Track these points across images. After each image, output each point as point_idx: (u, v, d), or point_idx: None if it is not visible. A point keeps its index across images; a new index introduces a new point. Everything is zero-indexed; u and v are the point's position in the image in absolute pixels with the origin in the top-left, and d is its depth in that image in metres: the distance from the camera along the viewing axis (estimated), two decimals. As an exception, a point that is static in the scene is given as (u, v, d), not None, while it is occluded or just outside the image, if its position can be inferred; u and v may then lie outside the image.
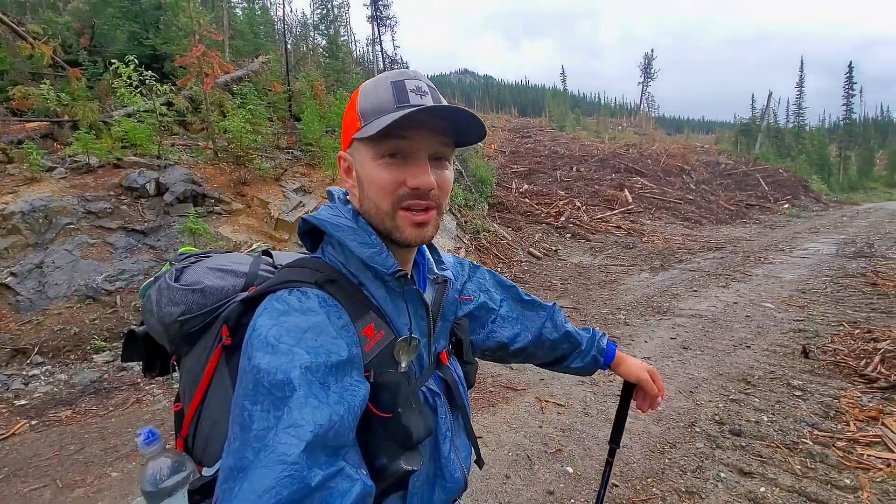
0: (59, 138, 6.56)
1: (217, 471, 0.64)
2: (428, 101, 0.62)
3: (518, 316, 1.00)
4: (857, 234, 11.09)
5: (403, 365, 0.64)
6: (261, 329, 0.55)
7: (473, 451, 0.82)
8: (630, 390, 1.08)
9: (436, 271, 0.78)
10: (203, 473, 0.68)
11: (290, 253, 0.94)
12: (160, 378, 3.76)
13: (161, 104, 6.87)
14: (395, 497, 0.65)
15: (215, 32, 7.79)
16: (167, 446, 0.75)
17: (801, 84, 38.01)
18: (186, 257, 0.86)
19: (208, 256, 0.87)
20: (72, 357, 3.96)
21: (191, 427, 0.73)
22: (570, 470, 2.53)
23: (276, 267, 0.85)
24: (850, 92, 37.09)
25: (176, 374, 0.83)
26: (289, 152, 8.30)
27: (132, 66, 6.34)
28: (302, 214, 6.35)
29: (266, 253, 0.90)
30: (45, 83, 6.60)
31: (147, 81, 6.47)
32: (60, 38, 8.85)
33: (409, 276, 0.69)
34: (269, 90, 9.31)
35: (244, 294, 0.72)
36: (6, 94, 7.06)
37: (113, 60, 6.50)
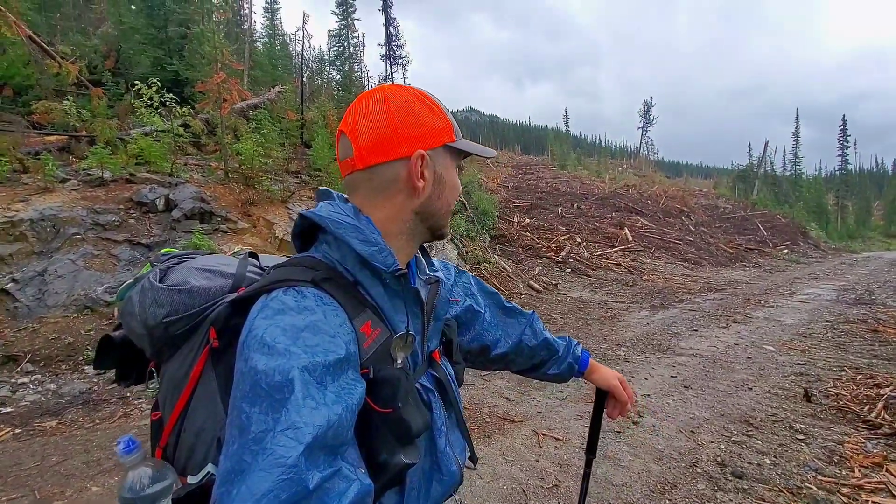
0: (75, 152, 6.76)
1: (202, 479, 0.64)
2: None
3: (500, 322, 1.02)
4: (857, 281, 11.10)
5: (399, 361, 0.64)
6: (257, 329, 0.54)
7: (467, 447, 0.82)
8: (602, 399, 1.11)
9: (427, 272, 0.79)
10: (189, 481, 0.66)
11: (275, 256, 0.91)
12: (137, 387, 3.70)
13: (178, 125, 7.12)
14: (392, 493, 0.65)
15: (236, 62, 8.18)
16: (148, 455, 0.71)
17: (797, 134, 39.22)
18: (169, 258, 0.83)
19: (192, 258, 0.84)
20: (63, 367, 3.90)
21: (171, 436, 0.70)
22: (567, 507, 2.44)
23: (262, 269, 0.83)
24: (845, 143, 38.22)
25: (153, 384, 0.79)
26: (297, 176, 8.50)
27: (154, 89, 6.61)
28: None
29: (252, 255, 0.87)
30: (67, 100, 6.86)
31: (167, 103, 6.74)
32: (87, 60, 9.29)
33: (407, 276, 0.70)
34: (283, 118, 9.66)
35: (232, 295, 0.70)
36: (29, 108, 7.33)
37: (136, 82, 6.80)
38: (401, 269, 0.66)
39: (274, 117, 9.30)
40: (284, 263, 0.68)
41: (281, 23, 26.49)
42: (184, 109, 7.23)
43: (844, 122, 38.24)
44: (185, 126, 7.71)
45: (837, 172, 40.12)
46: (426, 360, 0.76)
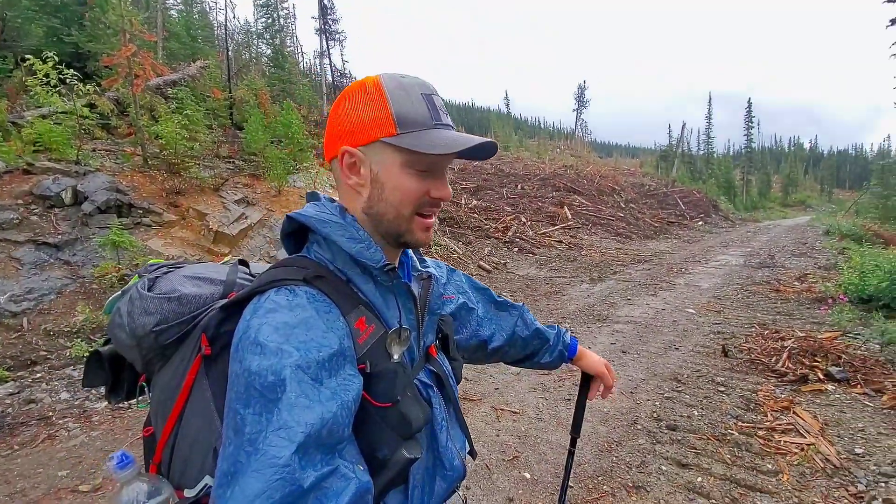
0: (-47, 139, 5.73)
1: (199, 492, 0.63)
2: (449, 120, 0.68)
3: (493, 316, 1.05)
4: (761, 247, 12.60)
5: (396, 357, 0.65)
6: (250, 330, 0.54)
7: (466, 442, 0.84)
8: (588, 382, 1.18)
9: (419, 268, 0.80)
10: (186, 495, 0.65)
11: (264, 265, 0.92)
12: (95, 405, 3.35)
13: (82, 105, 6.26)
14: (396, 491, 0.65)
15: (148, 33, 7.30)
16: (142, 470, 0.70)
17: (709, 116, 43.06)
18: (157, 268, 0.82)
19: (180, 266, 0.83)
20: (-36, 389, 3.40)
21: (165, 451, 0.69)
22: (528, 476, 2.59)
23: (252, 276, 0.84)
24: (750, 124, 42.47)
25: (143, 399, 0.77)
26: (230, 161, 7.90)
27: (51, 64, 5.75)
28: (243, 227, 5.99)
29: (242, 262, 0.88)
30: (-64, 76, 5.78)
31: (67, 80, 5.88)
32: (-42, 29, 7.83)
33: (396, 271, 0.70)
34: (209, 96, 8.87)
35: (223, 301, 0.70)
36: None
37: (27, 56, 5.85)
38: (389, 263, 0.67)
39: (197, 95, 8.50)
40: (276, 265, 0.68)
41: (197, -11, 23.97)
42: (88, 87, 6.35)
43: (750, 104, 42.44)
44: (91, 106, 6.80)
45: (743, 150, 44.68)
46: (423, 355, 0.77)
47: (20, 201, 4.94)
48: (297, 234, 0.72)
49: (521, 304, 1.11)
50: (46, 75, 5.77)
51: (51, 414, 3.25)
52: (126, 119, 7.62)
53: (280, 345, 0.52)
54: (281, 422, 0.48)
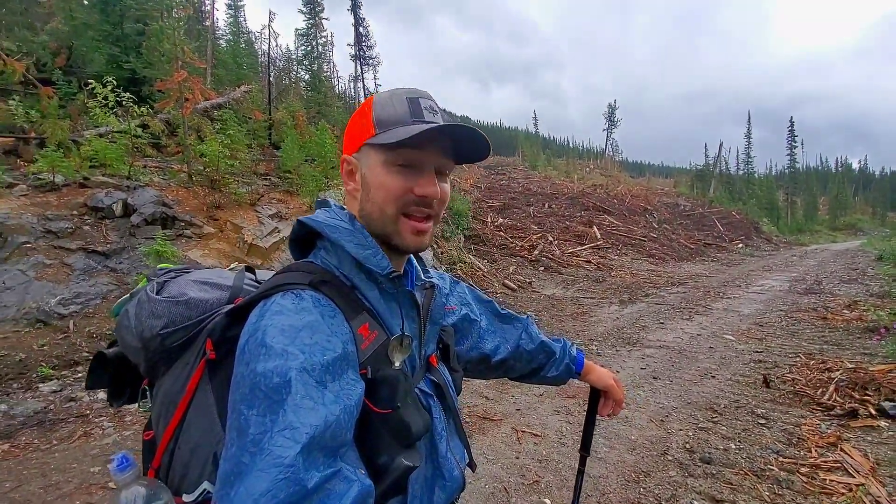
0: (23, 155, 6.32)
1: (198, 497, 0.64)
2: (438, 120, 0.67)
3: (496, 329, 1.03)
4: (807, 272, 11.87)
5: (397, 364, 0.65)
6: (257, 332, 0.55)
7: (466, 453, 0.82)
8: (596, 398, 1.13)
9: (423, 278, 0.80)
10: (184, 500, 0.65)
11: (270, 273, 0.94)
12: (130, 406, 3.50)
13: (136, 125, 6.77)
14: (395, 501, 0.64)
15: (198, 60, 7.86)
16: (141, 474, 0.70)
17: (748, 135, 41.50)
18: (166, 272, 0.83)
19: (188, 271, 0.85)
20: (14, 386, 3.64)
21: (165, 456, 0.69)
22: (548, 502, 2.48)
23: (259, 282, 0.84)
24: (793, 143, 40.72)
25: (146, 403, 0.78)
26: (266, 178, 8.27)
27: (109, 87, 6.27)
28: (276, 241, 6.21)
29: (248, 269, 0.89)
30: (13, 99, 6.40)
31: (123, 103, 6.40)
32: (35, 57, 8.69)
33: (401, 279, 0.71)
34: (250, 118, 9.39)
35: (229, 307, 0.70)
36: (-32, 109, 6.79)
37: (90, 81, 6.43)
38: (395, 271, 0.67)
39: (240, 117, 9.01)
40: (282, 270, 0.69)
41: (245, 20, 25.74)
42: (142, 109, 6.87)
43: (792, 123, 40.75)
44: (144, 127, 7.34)
45: (786, 170, 42.74)
46: (424, 364, 0.76)
47: (75, 212, 5.33)
48: (304, 240, 0.73)
49: (525, 317, 1.09)
50: (105, 98, 6.30)
51: (88, 412, 3.42)
52: (175, 138, 8.16)
53: (285, 347, 0.53)
54: (286, 422, 0.48)
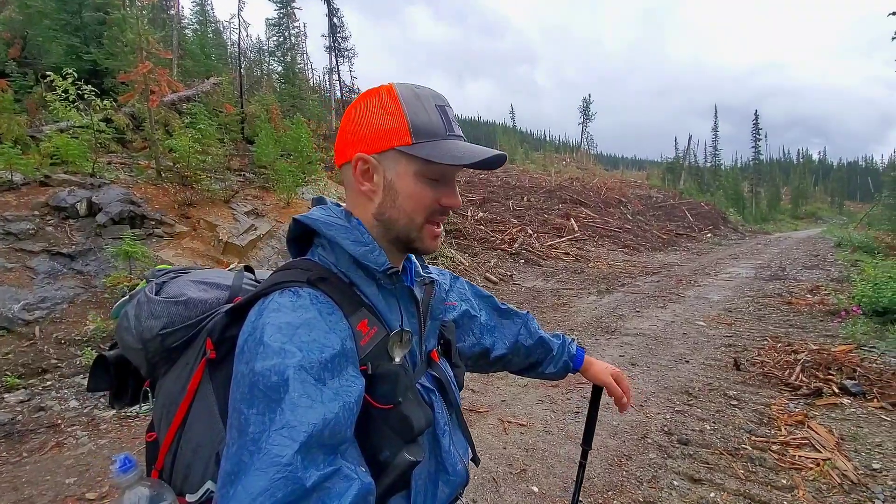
0: (-26, 152, 5.91)
1: (201, 497, 0.64)
2: (460, 131, 0.69)
3: (496, 324, 1.04)
4: (772, 259, 12.44)
5: (397, 360, 0.65)
6: (255, 331, 0.55)
7: (469, 448, 0.83)
8: (599, 393, 1.14)
9: (422, 274, 0.80)
10: (188, 501, 0.65)
11: (270, 272, 0.95)
12: (104, 414, 3.36)
13: (99, 120, 6.43)
14: (398, 497, 0.65)
15: (164, 51, 7.53)
16: (144, 475, 0.70)
17: (716, 129, 43.04)
18: (165, 273, 0.83)
19: (187, 272, 0.85)
20: (-24, 397, 3.45)
21: (167, 456, 0.69)
22: (536, 489, 2.54)
23: (258, 281, 0.84)
24: (758, 136, 42.42)
25: (147, 405, 0.77)
26: (241, 174, 8.04)
27: (70, 80, 5.94)
28: (252, 238, 6.05)
29: (248, 269, 0.89)
30: (-40, 92, 5.99)
31: (85, 96, 6.07)
32: (-16, 47, 8.14)
33: (399, 274, 0.71)
34: (221, 111, 9.07)
35: (229, 306, 0.70)
36: None
37: (48, 73, 6.06)
38: (393, 267, 0.68)
39: (210, 111, 8.69)
40: (280, 268, 0.68)
41: (212, 9, 24.77)
42: (105, 102, 6.53)
43: (757, 117, 42.38)
44: (108, 121, 7.00)
45: (751, 162, 44.50)
46: (425, 360, 0.77)
47: (36, 212, 5.06)
48: (301, 239, 0.73)
49: (525, 312, 1.09)
50: (65, 91, 5.97)
51: (60, 422, 3.27)
52: (141, 133, 7.82)
53: (283, 345, 0.53)
54: (284, 421, 0.48)
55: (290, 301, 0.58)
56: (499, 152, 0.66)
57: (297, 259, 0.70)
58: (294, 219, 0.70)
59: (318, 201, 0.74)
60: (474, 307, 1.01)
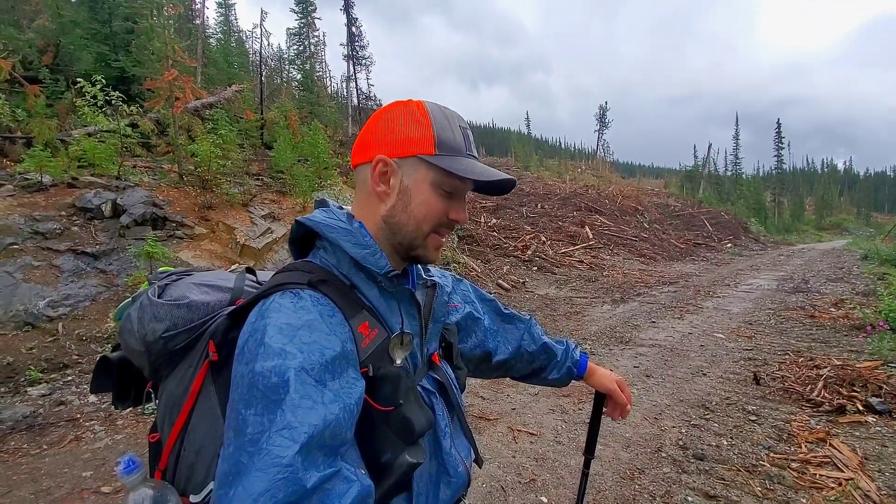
0: (9, 155, 6.20)
1: (204, 498, 0.64)
2: (476, 154, 0.73)
3: (499, 328, 1.03)
4: (794, 271, 12.07)
5: (398, 361, 0.65)
6: (256, 332, 0.55)
7: (472, 450, 0.82)
8: (601, 400, 1.12)
9: (424, 276, 0.81)
10: (191, 501, 0.65)
11: (271, 273, 0.95)
12: (134, 409, 3.44)
13: (126, 125, 6.67)
14: (400, 499, 0.65)
15: (189, 59, 7.78)
16: (148, 476, 0.70)
17: (736, 137, 42.25)
18: (167, 275, 0.84)
19: (190, 274, 0.85)
20: (2, 390, 3.56)
21: (171, 457, 0.69)
22: (545, 500, 2.50)
23: (259, 283, 0.84)
24: (780, 145, 41.44)
25: (150, 406, 0.78)
26: (258, 179, 8.21)
27: (98, 86, 6.18)
28: (268, 241, 6.17)
29: (249, 270, 0.89)
30: (-2, 97, 6.29)
31: (113, 102, 6.31)
32: (21, 55, 8.53)
33: (399, 277, 0.71)
34: (241, 118, 9.32)
35: (231, 308, 0.71)
36: (-49, 107, 6.64)
37: (78, 79, 6.33)
38: (394, 270, 0.68)
39: (231, 117, 8.93)
40: (282, 270, 0.69)
41: (236, 19, 25.47)
42: (131, 108, 6.80)
43: (779, 125, 41.46)
44: (133, 126, 7.25)
45: (773, 171, 43.48)
46: (426, 362, 0.77)
47: (63, 213, 5.25)
48: (303, 240, 0.73)
49: (529, 317, 1.08)
50: (94, 97, 6.21)
51: (79, 416, 3.37)
52: (165, 138, 8.07)
53: (284, 346, 0.53)
54: (284, 422, 0.48)
55: (291, 302, 0.58)
56: (511, 177, 0.71)
57: (299, 261, 0.71)
58: (296, 220, 0.71)
59: (321, 203, 0.75)
60: (478, 310, 1.00)
